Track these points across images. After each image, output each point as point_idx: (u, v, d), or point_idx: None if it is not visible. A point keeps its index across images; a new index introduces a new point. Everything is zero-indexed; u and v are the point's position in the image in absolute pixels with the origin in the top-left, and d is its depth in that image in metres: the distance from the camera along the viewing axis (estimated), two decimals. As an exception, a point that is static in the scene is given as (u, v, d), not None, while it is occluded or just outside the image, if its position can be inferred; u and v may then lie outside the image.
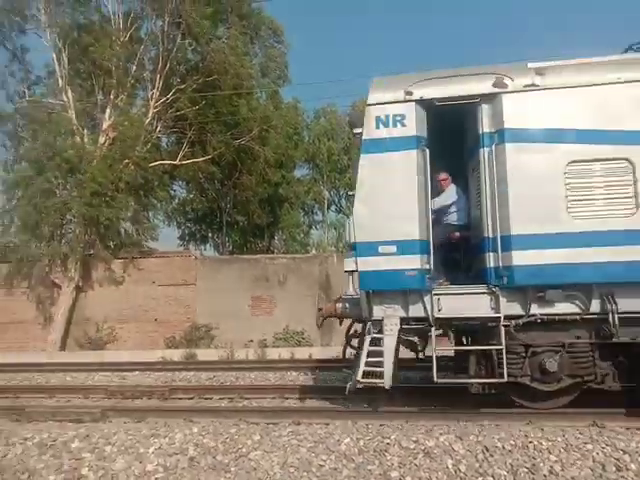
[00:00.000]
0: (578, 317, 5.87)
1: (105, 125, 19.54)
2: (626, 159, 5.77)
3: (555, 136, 5.99)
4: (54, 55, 20.22)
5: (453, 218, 7.04)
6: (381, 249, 6.19)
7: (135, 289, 17.67)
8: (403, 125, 6.33)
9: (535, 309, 5.94)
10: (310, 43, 55.67)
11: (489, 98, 6.19)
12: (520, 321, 5.93)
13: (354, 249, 6.29)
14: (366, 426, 5.49)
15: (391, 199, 6.22)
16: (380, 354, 6.01)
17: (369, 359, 6.03)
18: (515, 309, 6.01)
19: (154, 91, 20.16)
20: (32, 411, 6.64)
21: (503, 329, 5.83)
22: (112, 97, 19.68)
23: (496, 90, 6.15)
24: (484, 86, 6.21)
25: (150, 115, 19.94)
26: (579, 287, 5.84)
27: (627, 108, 5.82)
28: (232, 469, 4.69)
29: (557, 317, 5.91)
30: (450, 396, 6.62)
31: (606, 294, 5.78)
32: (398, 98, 6.38)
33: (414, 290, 6.15)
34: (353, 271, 6.34)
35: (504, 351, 5.76)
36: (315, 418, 5.97)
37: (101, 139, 19.33)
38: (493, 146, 6.11)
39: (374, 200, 6.31)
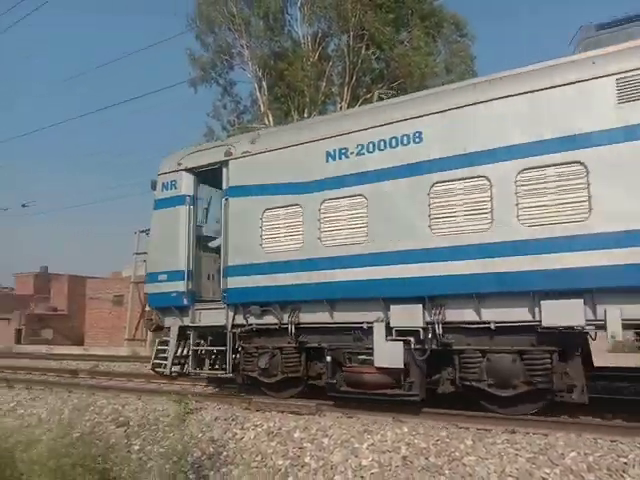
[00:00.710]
0: (277, 327, 7.59)
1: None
2: (298, 204, 7.55)
3: (258, 190, 7.90)
4: (255, 85, 22.68)
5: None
6: (159, 277, 8.74)
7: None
8: (175, 188, 8.86)
9: (252, 320, 7.83)
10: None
11: (224, 164, 8.40)
12: (243, 329, 7.91)
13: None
14: (594, 440, 4.93)
15: (166, 241, 8.77)
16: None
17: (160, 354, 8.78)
18: (240, 320, 7.93)
19: (342, 104, 21.21)
20: (258, 401, 7.43)
21: (230, 335, 7.99)
22: (305, 115, 21.26)
23: (226, 158, 8.36)
24: (220, 155, 8.45)
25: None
26: (273, 304, 7.62)
27: (309, 163, 7.49)
28: (446, 472, 4.63)
29: (267, 327, 7.73)
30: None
31: (292, 310, 7.48)
32: (172, 168, 8.97)
33: (182, 306, 8.46)
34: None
35: (228, 351, 7.97)
36: (532, 427, 5.56)
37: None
38: (224, 199, 8.34)
39: (157, 242, 9.02)
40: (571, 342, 5.90)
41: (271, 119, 21.76)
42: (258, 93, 22.52)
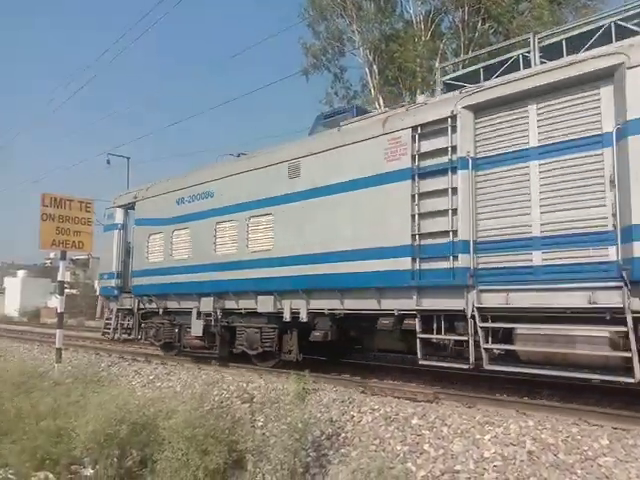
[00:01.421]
0: (157, 310, 12.05)
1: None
2: (162, 232, 11.99)
3: (146, 222, 12.46)
4: (366, 69, 22.55)
5: None
6: (104, 276, 13.78)
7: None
8: (112, 218, 13.50)
9: (146, 305, 12.39)
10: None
11: (134, 204, 12.94)
12: (143, 311, 12.56)
13: None
14: None
15: (106, 253, 13.60)
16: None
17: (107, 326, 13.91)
18: (141, 305, 12.58)
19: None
20: (375, 386, 7.50)
21: (137, 315, 12.61)
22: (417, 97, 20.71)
23: (133, 200, 12.86)
24: (132, 198, 13.03)
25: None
26: (152, 296, 12.22)
27: (168, 206, 11.74)
28: (578, 471, 4.32)
29: (153, 310, 12.27)
30: None
31: (162, 299, 11.93)
32: (111, 205, 13.82)
33: (115, 295, 13.25)
34: None
35: (135, 325, 12.71)
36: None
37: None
38: (132, 227, 13.20)
39: (103, 253, 14.23)
40: (286, 324, 9.26)
41: (382, 103, 21.53)
42: (369, 77, 22.38)
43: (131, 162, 31.73)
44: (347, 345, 10.03)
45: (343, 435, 5.73)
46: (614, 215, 5.80)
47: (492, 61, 8.41)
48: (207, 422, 5.51)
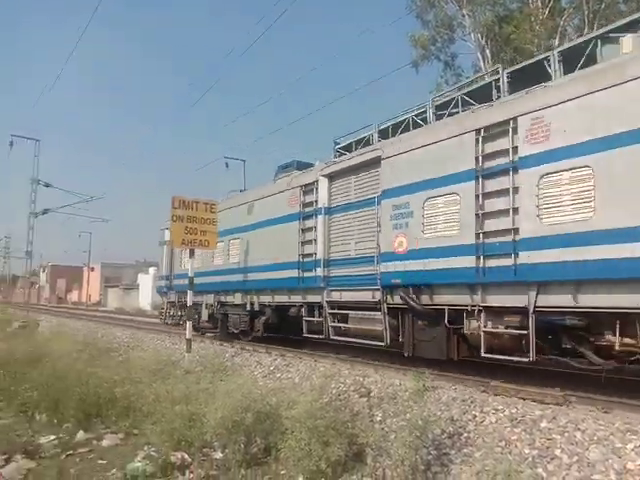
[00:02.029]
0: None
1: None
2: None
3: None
4: (478, 54, 21.60)
5: None
6: (160, 278, 20.48)
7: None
8: (164, 236, 18.54)
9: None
10: None
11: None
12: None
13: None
14: None
15: (161, 261, 20.04)
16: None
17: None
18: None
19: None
20: (497, 386, 7.17)
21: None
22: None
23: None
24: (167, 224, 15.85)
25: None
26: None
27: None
28: None
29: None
30: None
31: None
32: (160, 228, 18.97)
33: (163, 292, 19.13)
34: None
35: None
36: None
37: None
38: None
39: (160, 261, 20.16)
40: (253, 311, 13.38)
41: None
42: (481, 62, 21.43)
43: (247, 164, 33.33)
44: (285, 326, 13.18)
45: (465, 435, 5.55)
46: (377, 247, 9.57)
47: (384, 126, 12.49)
48: (327, 414, 5.62)
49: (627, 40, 7.48)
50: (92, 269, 69.25)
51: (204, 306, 15.55)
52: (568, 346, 7.07)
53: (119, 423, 7.59)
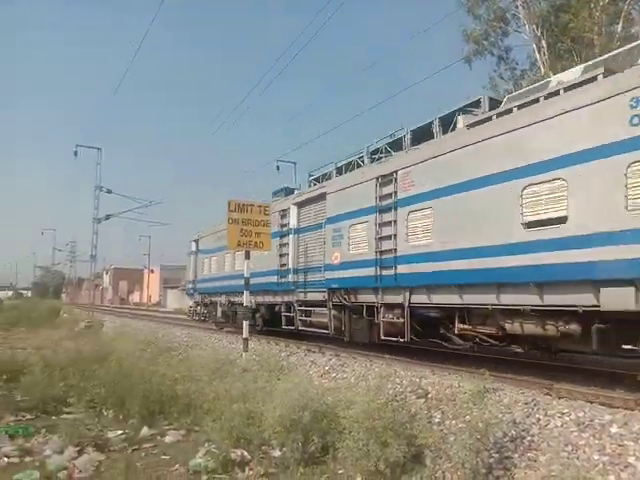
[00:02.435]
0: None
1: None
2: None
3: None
4: (534, 45, 20.87)
5: None
6: (186, 282, 25.41)
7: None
8: (190, 247, 23.67)
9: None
10: None
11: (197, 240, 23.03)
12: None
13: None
14: None
15: (188, 268, 24.97)
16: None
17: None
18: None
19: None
20: (560, 388, 6.90)
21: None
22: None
23: (197, 238, 22.97)
24: (195, 237, 23.22)
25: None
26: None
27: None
28: None
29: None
30: None
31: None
32: (191, 240, 23.52)
33: (190, 294, 24.66)
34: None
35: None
36: None
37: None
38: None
39: (187, 268, 25.05)
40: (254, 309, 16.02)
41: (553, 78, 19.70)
42: (537, 54, 20.70)
43: (297, 167, 33.67)
44: (276, 321, 15.57)
45: (528, 438, 5.36)
46: (324, 259, 12.57)
47: (341, 164, 16.22)
48: (385, 414, 5.57)
49: (460, 118, 10.11)
50: (152, 271, 71.85)
51: (219, 305, 19.26)
52: (442, 331, 9.78)
53: (181, 420, 7.83)
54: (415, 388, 7.50)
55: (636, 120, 6.14)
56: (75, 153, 33.65)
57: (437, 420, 6.36)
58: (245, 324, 11.50)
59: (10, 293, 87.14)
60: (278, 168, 32.86)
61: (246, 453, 6.33)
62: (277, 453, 6.41)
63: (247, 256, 11.66)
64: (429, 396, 7.10)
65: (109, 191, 33.80)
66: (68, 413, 8.15)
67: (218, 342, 15.77)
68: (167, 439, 7.28)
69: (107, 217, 35.03)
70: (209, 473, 5.90)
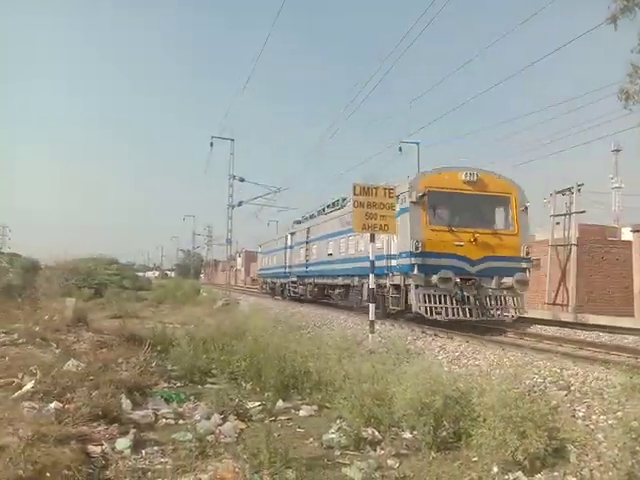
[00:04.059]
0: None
1: None
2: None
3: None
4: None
5: None
6: (259, 269, 44.12)
7: None
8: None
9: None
10: None
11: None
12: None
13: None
14: None
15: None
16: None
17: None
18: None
19: None
20: None
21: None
22: None
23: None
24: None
25: None
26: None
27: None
28: None
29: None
30: None
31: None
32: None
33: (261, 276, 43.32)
34: None
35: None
36: None
37: None
38: None
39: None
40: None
41: None
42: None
43: (420, 146, 32.93)
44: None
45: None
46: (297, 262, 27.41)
47: (324, 205, 24.95)
48: (522, 404, 5.31)
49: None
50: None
51: (278, 284, 31.79)
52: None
53: (313, 395, 8.16)
54: (556, 379, 7.05)
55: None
56: (211, 144, 36.18)
57: (581, 414, 5.92)
58: (371, 307, 11.57)
59: (157, 274, 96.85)
60: (400, 149, 32.50)
61: (377, 433, 6.42)
62: (408, 435, 6.42)
63: (372, 239, 11.70)
64: (572, 388, 6.62)
65: (242, 179, 35.84)
66: (212, 383, 8.88)
67: (344, 322, 16.13)
68: (301, 413, 7.63)
69: (240, 204, 37.23)
70: (342, 449, 6.08)
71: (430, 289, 13.00)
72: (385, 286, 14.93)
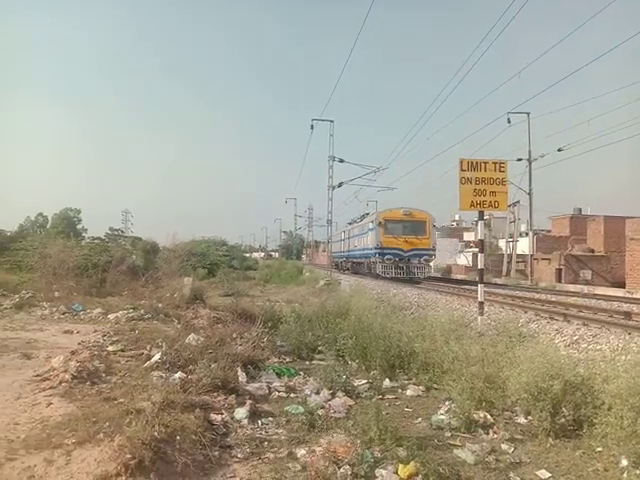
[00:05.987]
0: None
1: None
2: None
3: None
4: None
5: None
6: (334, 253, 52.06)
7: None
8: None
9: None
10: None
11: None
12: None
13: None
14: None
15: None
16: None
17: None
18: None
19: None
20: None
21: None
22: None
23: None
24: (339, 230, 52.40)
25: None
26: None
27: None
28: None
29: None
30: None
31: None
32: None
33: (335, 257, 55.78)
34: None
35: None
36: None
37: None
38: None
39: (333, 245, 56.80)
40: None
41: None
42: None
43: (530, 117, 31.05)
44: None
45: None
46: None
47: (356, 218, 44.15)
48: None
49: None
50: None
51: (339, 262, 46.54)
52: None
53: (419, 376, 8.09)
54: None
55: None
56: (312, 127, 36.73)
57: None
58: (480, 287, 11.17)
59: (262, 254, 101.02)
60: (509, 121, 30.81)
61: (489, 416, 6.24)
62: (522, 420, 6.19)
63: (481, 217, 11.24)
64: None
65: (341, 160, 36.06)
66: (320, 360, 9.14)
67: (449, 304, 15.76)
68: (408, 393, 7.62)
69: (340, 185, 37.60)
70: (452, 430, 5.99)
71: (384, 263, 29.21)
72: (364, 263, 34.78)
